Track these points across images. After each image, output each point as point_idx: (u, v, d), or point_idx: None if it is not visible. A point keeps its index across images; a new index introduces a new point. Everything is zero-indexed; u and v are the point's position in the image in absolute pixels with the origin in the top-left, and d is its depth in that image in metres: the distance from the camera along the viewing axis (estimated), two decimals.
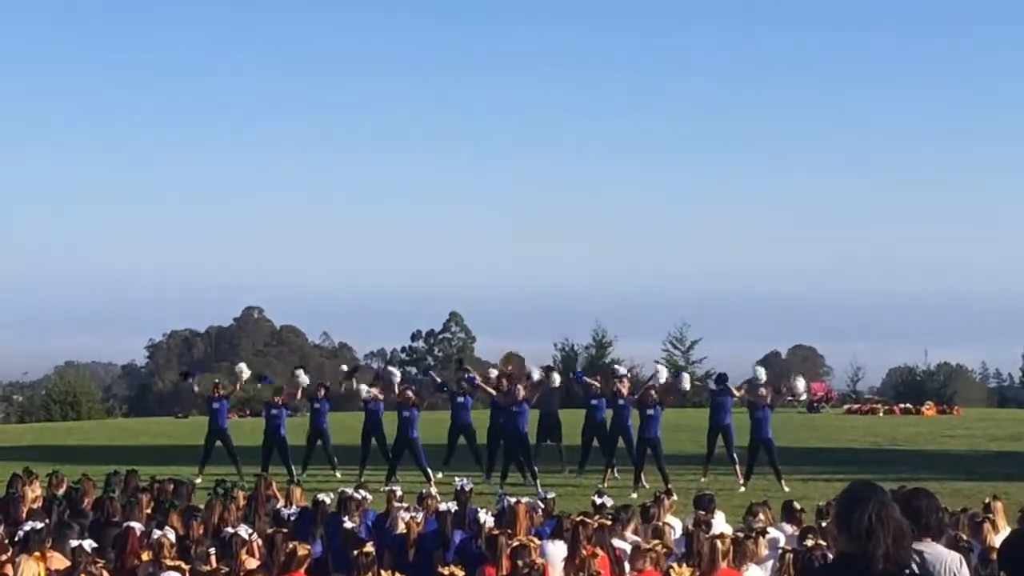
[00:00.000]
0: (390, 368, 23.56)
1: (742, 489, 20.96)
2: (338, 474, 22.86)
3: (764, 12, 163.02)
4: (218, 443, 23.11)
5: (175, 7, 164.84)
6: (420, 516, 12.66)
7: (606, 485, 20.88)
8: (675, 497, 14.89)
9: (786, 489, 20.33)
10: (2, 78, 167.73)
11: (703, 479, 21.90)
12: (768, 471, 21.61)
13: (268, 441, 22.89)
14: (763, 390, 22.08)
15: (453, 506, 12.68)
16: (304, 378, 24.01)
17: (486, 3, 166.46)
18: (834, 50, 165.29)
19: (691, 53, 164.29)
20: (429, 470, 21.83)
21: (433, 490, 14.89)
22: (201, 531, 12.22)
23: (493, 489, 19.40)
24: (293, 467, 22.63)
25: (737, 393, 22.66)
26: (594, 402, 23.20)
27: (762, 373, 22.79)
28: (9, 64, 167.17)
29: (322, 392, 23.82)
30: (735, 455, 22.07)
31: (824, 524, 11.87)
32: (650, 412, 21.41)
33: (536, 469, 21.45)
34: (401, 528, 12.61)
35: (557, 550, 11.25)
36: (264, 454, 22.78)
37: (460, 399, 23.54)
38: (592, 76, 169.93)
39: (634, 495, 19.72)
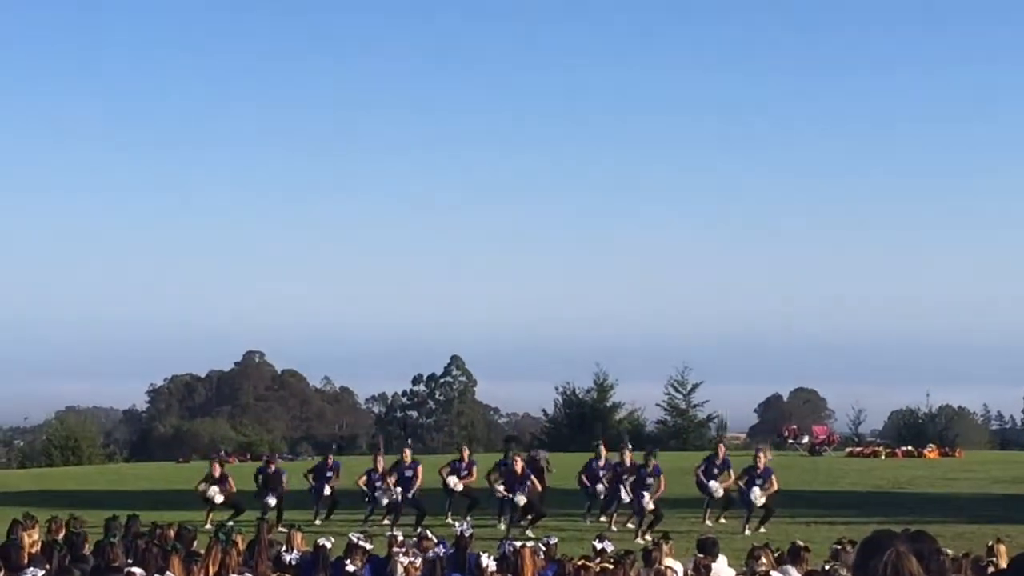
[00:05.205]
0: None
1: (709, 523, 21.92)
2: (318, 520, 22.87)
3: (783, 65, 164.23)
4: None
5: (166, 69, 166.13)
6: (419, 561, 12.62)
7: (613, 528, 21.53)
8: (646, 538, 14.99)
9: (747, 533, 20.75)
10: None
11: (708, 522, 22.00)
12: (778, 516, 21.98)
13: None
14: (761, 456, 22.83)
15: (441, 550, 12.67)
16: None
17: (491, 55, 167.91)
18: (821, 83, 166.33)
19: (683, 99, 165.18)
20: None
21: (430, 533, 14.88)
22: None
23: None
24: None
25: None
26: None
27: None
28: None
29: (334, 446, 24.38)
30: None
31: (828, 567, 11.81)
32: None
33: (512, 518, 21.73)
34: (400, 573, 12.56)
35: None
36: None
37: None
38: (590, 117, 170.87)
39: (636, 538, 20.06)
